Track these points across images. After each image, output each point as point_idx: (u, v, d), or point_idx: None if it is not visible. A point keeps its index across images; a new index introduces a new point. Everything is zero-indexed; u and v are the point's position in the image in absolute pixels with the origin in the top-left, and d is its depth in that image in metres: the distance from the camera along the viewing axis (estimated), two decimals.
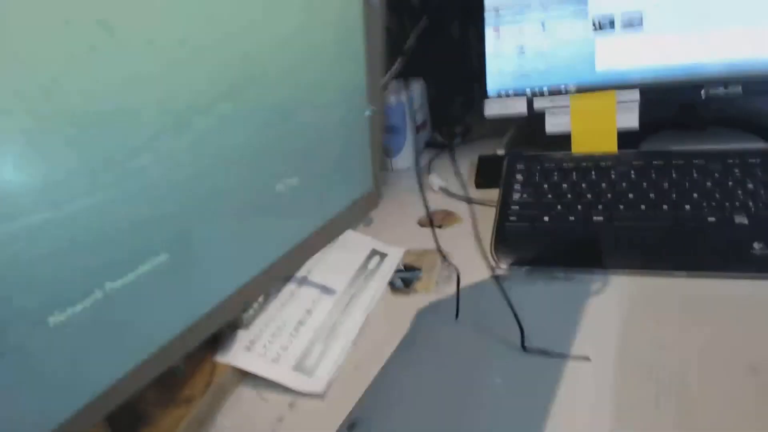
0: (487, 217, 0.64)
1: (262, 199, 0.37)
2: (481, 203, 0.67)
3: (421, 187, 0.72)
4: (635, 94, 0.66)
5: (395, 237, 0.62)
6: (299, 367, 0.45)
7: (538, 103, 0.72)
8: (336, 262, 0.57)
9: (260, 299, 0.49)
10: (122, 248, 0.28)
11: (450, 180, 0.74)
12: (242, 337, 0.47)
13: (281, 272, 0.42)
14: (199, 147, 0.31)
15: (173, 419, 0.38)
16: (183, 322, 0.33)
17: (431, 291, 0.53)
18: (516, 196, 0.61)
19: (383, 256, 0.59)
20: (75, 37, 0.23)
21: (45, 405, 0.26)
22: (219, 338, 0.46)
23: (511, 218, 0.58)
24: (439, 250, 0.56)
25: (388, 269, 0.56)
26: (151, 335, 0.31)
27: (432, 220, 0.64)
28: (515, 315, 0.45)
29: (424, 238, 0.62)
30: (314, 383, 0.43)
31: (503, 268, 0.55)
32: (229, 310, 0.37)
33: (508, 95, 0.72)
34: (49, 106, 0.23)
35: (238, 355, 0.45)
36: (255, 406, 0.43)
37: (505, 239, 0.57)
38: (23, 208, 0.23)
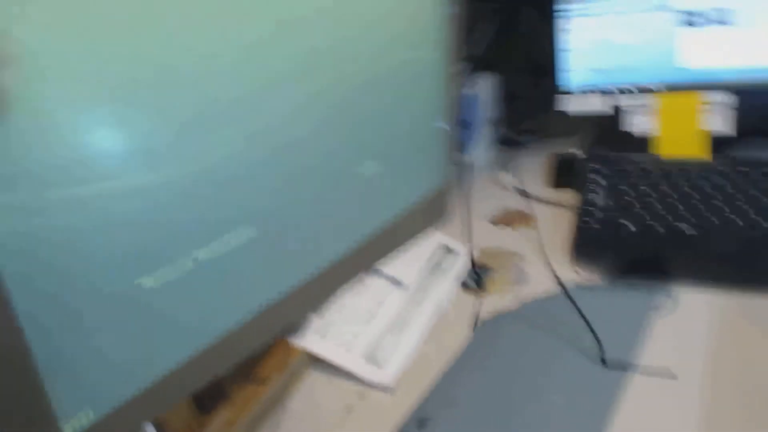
0: (564, 220, 0.62)
1: (344, 179, 0.37)
2: (557, 204, 0.65)
3: (494, 184, 0.70)
4: (728, 96, 0.62)
5: (465, 234, 0.61)
6: (370, 357, 0.45)
7: (619, 101, 0.69)
8: (406, 256, 0.56)
9: None
10: (209, 217, 0.28)
11: (522, 178, 0.72)
12: (315, 322, 0.47)
13: (363, 262, 0.42)
14: (289, 118, 0.31)
15: (249, 397, 0.38)
16: (266, 299, 0.33)
17: (503, 293, 0.52)
18: (596, 199, 0.59)
19: (454, 252, 0.58)
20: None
21: (135, 363, 0.26)
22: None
23: (591, 222, 0.56)
24: (512, 251, 0.55)
25: (459, 266, 0.55)
26: (235, 310, 0.31)
27: (505, 220, 0.62)
28: (590, 326, 0.43)
29: (496, 237, 0.61)
30: (385, 375, 0.43)
31: (581, 274, 0.53)
32: (308, 296, 0.37)
33: (586, 92, 0.70)
34: (147, 69, 0.23)
35: (311, 339, 0.45)
36: (325, 392, 0.43)
37: (584, 244, 0.55)
38: (118, 170, 0.23)
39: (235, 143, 0.28)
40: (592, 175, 0.61)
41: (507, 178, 0.72)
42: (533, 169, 0.75)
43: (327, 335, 0.46)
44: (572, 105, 0.70)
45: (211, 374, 0.31)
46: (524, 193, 0.69)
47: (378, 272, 0.53)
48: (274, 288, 0.34)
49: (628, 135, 0.68)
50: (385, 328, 0.48)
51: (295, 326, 0.45)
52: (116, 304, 0.24)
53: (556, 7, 0.68)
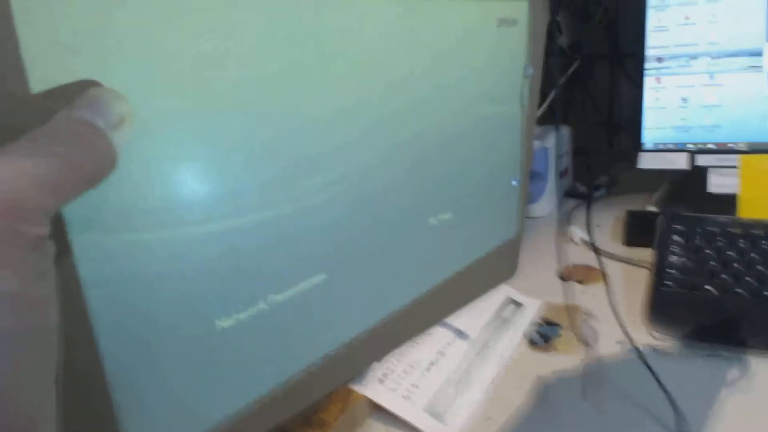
0: (637, 279, 0.59)
1: (417, 230, 0.37)
2: (630, 262, 0.63)
3: (562, 237, 0.68)
4: None
5: (532, 287, 0.59)
6: (430, 409, 0.44)
7: (701, 160, 0.66)
8: (470, 306, 0.55)
9: None
10: (289, 264, 0.29)
11: (594, 233, 0.70)
12: (376, 368, 0.46)
13: (432, 314, 0.41)
14: (373, 170, 0.32)
15: None
16: (334, 345, 0.33)
17: (572, 352, 0.50)
18: (674, 259, 0.56)
19: (519, 305, 0.56)
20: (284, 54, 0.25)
21: (204, 404, 0.27)
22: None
23: (668, 283, 0.54)
24: (581, 308, 0.52)
25: (524, 320, 0.54)
26: (303, 354, 0.32)
27: (574, 275, 0.60)
28: (669, 396, 0.40)
29: (563, 292, 0.59)
30: (446, 430, 0.42)
31: (657, 337, 0.50)
32: (375, 345, 0.37)
33: (666, 149, 0.68)
34: (243, 125, 0.24)
35: (372, 387, 0.44)
36: None
37: (660, 306, 0.52)
38: (204, 216, 0.24)
39: (319, 194, 0.29)
40: (671, 235, 0.59)
41: (577, 232, 0.70)
42: (605, 225, 0.73)
43: (386, 382, 0.45)
44: (650, 162, 0.68)
45: (276, 420, 0.31)
46: (595, 249, 0.67)
47: (441, 322, 0.52)
48: (341, 335, 0.34)
49: (708, 194, 0.65)
50: (447, 380, 0.46)
51: (357, 372, 0.44)
52: (193, 345, 0.25)
53: (640, 63, 0.67)
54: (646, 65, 0.67)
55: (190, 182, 0.22)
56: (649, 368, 0.42)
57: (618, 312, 0.54)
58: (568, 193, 0.83)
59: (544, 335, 0.52)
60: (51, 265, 0.17)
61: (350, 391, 0.43)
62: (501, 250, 0.47)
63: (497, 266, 0.47)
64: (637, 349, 0.48)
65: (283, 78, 0.26)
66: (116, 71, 0.20)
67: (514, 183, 0.45)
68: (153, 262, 0.22)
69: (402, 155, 0.34)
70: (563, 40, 0.78)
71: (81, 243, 0.20)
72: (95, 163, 0.18)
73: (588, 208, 0.71)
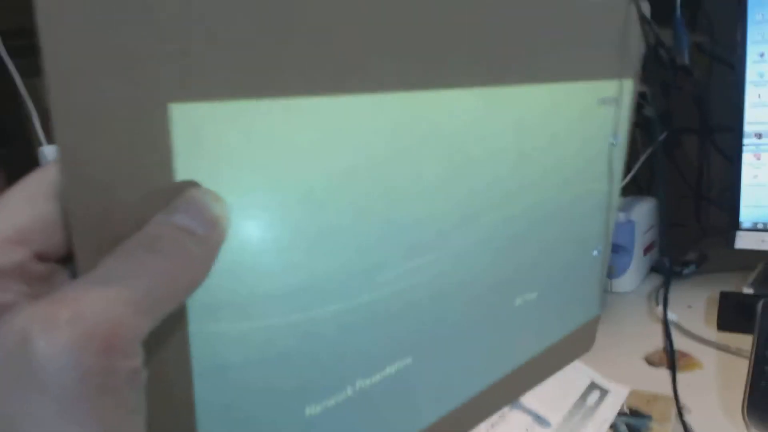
0: (734, 367, 0.55)
1: (502, 311, 0.36)
2: (726, 350, 0.58)
3: (649, 317, 0.65)
4: None
5: (617, 372, 0.56)
6: None
7: None
8: (551, 390, 0.52)
9: None
10: (378, 348, 0.29)
11: (683, 314, 0.66)
12: None
13: (507, 394, 0.39)
14: (464, 255, 0.31)
15: None
16: (415, 428, 0.32)
17: None
18: None
19: (604, 392, 0.53)
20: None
21: None
22: None
23: None
24: (677, 398, 0.49)
25: (610, 409, 0.50)
26: None
27: (671, 361, 0.57)
28: None
29: (652, 379, 0.55)
30: None
31: None
32: (456, 422, 0.35)
33: (766, 228, 0.63)
34: (337, 216, 0.24)
35: None
36: None
37: (762, 401, 0.48)
38: (300, 304, 0.24)
39: (411, 279, 0.29)
40: None
41: (668, 312, 0.66)
42: (696, 306, 0.69)
43: None
44: (748, 241, 0.64)
45: None
46: (686, 332, 0.63)
47: (519, 406, 0.50)
48: (424, 418, 0.33)
49: None
50: None
51: None
52: (281, 428, 0.25)
53: (739, 139, 0.65)
54: (744, 141, 0.64)
55: (289, 271, 0.23)
56: None
57: (712, 404, 0.50)
58: (654, 269, 0.79)
59: (633, 427, 0.48)
60: (143, 398, 0.16)
61: None
62: (584, 327, 0.45)
63: (576, 342, 0.45)
64: None
65: (389, 173, 0.26)
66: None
67: (595, 253, 0.43)
68: (250, 352, 0.22)
69: (493, 239, 0.33)
70: (651, 111, 0.76)
71: (195, 334, 0.20)
72: (193, 274, 0.17)
73: (677, 288, 0.67)
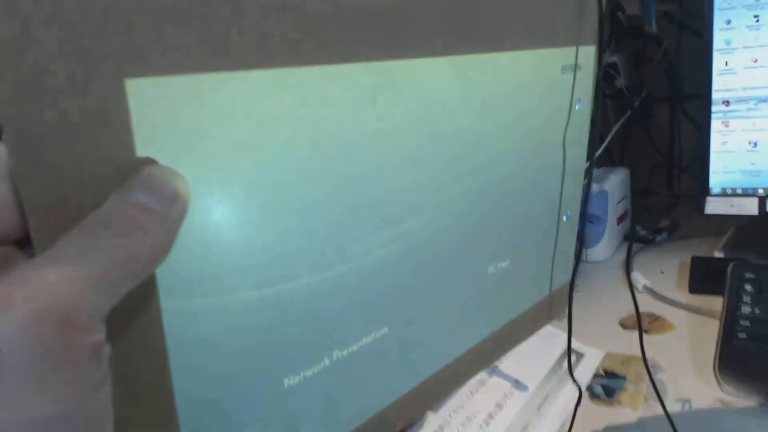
0: (705, 329, 0.57)
1: (476, 280, 0.37)
2: (697, 312, 0.60)
3: (629, 284, 0.66)
4: None
5: (593, 336, 0.57)
6: None
7: None
8: (528, 356, 0.53)
9: None
10: (355, 319, 0.29)
11: (655, 280, 0.68)
12: (431, 419, 0.45)
13: (482, 359, 0.40)
14: (434, 225, 0.32)
15: None
16: (392, 396, 0.33)
17: (637, 406, 0.47)
18: (746, 310, 0.53)
19: (580, 355, 0.54)
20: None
21: None
22: None
23: (740, 335, 0.51)
24: (646, 360, 0.50)
25: (586, 372, 0.52)
26: (364, 405, 0.31)
27: (641, 323, 0.58)
28: None
29: (627, 342, 0.56)
30: None
31: (729, 393, 0.47)
32: (437, 390, 0.36)
33: (735, 194, 0.65)
34: (313, 185, 0.24)
35: None
36: None
37: (732, 360, 0.49)
38: (276, 277, 0.24)
39: (385, 250, 0.29)
40: (742, 284, 0.56)
41: (638, 278, 0.67)
42: (668, 271, 0.70)
43: None
44: (717, 207, 0.65)
45: None
46: (659, 296, 0.64)
47: (499, 372, 0.51)
48: (400, 386, 0.34)
49: None
50: None
51: (411, 423, 0.43)
52: (262, 405, 0.25)
53: (707, 107, 0.66)
54: (713, 108, 0.65)
55: (258, 245, 0.23)
56: None
57: (684, 364, 0.51)
58: (628, 238, 0.80)
59: (607, 388, 0.50)
60: (107, 372, 0.16)
61: None
62: (556, 293, 0.46)
63: (550, 307, 0.46)
64: (706, 407, 0.45)
65: (357, 145, 0.26)
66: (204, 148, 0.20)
67: (564, 219, 0.44)
68: (224, 326, 0.22)
69: (463, 208, 0.34)
70: (621, 82, 0.77)
71: (168, 310, 0.20)
72: (152, 251, 0.17)
73: (649, 254, 0.69)
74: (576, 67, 0.40)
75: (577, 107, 0.41)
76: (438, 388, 0.37)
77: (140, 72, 0.18)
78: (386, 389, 0.33)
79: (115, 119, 0.17)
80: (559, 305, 0.49)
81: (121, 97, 0.17)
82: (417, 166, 0.29)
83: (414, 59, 0.28)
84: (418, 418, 0.42)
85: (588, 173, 0.46)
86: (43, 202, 0.16)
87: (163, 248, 0.17)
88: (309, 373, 0.27)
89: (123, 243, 0.16)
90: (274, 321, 0.24)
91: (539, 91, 0.37)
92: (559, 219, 0.44)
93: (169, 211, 0.17)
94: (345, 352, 0.29)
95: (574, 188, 0.45)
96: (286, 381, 0.26)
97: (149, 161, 0.18)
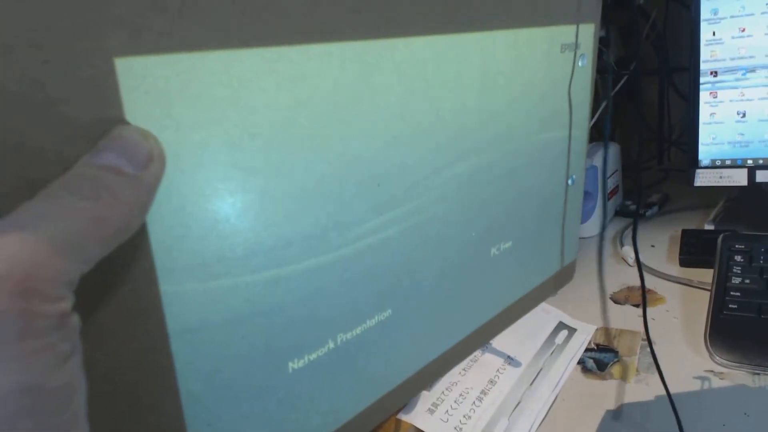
0: (696, 301, 0.57)
1: (478, 262, 0.36)
2: (687, 284, 0.60)
3: (614, 258, 0.66)
4: None
5: (585, 311, 0.57)
6: None
7: (761, 176, 0.63)
8: (521, 332, 0.53)
9: None
10: (359, 302, 0.29)
11: (646, 254, 0.68)
12: (425, 397, 0.45)
13: (481, 337, 0.40)
14: (436, 206, 0.31)
15: None
16: (398, 377, 0.33)
17: (630, 379, 0.48)
18: (736, 280, 0.53)
19: (572, 330, 0.54)
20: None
21: None
22: None
23: (731, 306, 0.51)
24: (638, 333, 0.50)
25: (578, 346, 0.52)
26: (369, 388, 0.31)
27: (645, 297, 0.58)
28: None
29: (618, 316, 0.56)
30: None
31: (720, 364, 0.48)
32: (435, 370, 0.36)
33: (724, 165, 0.65)
34: (305, 159, 0.24)
35: (422, 416, 0.43)
36: None
37: (723, 330, 0.50)
38: (279, 260, 0.24)
39: (388, 231, 0.29)
40: (732, 255, 0.56)
41: (629, 252, 0.67)
42: (660, 245, 0.70)
43: (436, 412, 0.44)
44: (707, 179, 0.65)
45: None
46: (650, 270, 0.64)
47: (491, 349, 0.51)
48: (403, 369, 0.34)
49: None
50: (500, 410, 0.45)
51: (406, 400, 0.43)
52: (267, 389, 0.25)
53: (694, 78, 0.65)
54: (701, 79, 0.65)
55: (257, 228, 0.22)
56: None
57: (676, 336, 0.52)
58: (619, 212, 0.80)
59: (599, 362, 0.50)
60: (78, 342, 0.15)
61: (399, 422, 0.42)
62: (559, 273, 0.46)
63: (556, 281, 0.46)
64: (697, 378, 0.45)
65: (357, 123, 0.26)
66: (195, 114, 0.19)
67: (569, 182, 0.44)
68: (227, 310, 0.22)
69: (464, 189, 0.33)
70: (610, 56, 0.76)
71: (167, 291, 0.20)
72: (123, 215, 0.16)
73: (640, 228, 0.69)
74: (577, 46, 0.40)
75: (580, 63, 0.40)
76: (439, 368, 0.37)
77: (129, 50, 0.17)
78: (391, 372, 0.33)
79: (103, 95, 0.17)
80: (565, 277, 0.49)
81: (111, 73, 0.16)
82: (415, 146, 0.29)
83: (412, 37, 0.27)
84: (412, 397, 0.42)
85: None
86: (5, 167, 0.15)
87: (136, 212, 0.17)
88: (314, 356, 0.27)
89: (88, 205, 0.15)
90: (277, 303, 0.24)
91: (538, 70, 0.36)
92: (560, 200, 0.44)
93: (141, 173, 0.16)
94: (349, 335, 0.29)
95: (576, 166, 0.44)
96: (290, 365, 0.26)
97: (121, 121, 0.17)
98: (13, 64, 0.15)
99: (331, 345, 0.27)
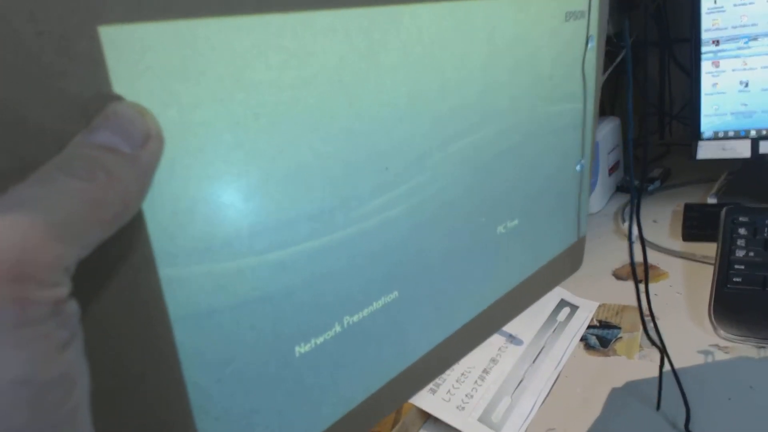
0: (699, 275, 0.56)
1: (484, 240, 0.36)
2: (690, 258, 0.59)
3: (616, 234, 0.65)
4: None
5: (587, 288, 0.57)
6: (485, 419, 0.42)
7: (765, 147, 0.62)
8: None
9: None
10: (365, 284, 0.28)
11: (648, 229, 0.67)
12: None
13: (494, 322, 0.39)
14: (441, 183, 0.30)
15: None
16: (406, 361, 0.32)
17: (633, 356, 0.47)
18: (740, 254, 0.53)
19: (574, 308, 0.54)
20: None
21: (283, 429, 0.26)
22: None
23: (735, 279, 0.50)
24: (649, 308, 0.49)
25: (580, 323, 0.51)
26: (377, 373, 0.31)
27: (635, 273, 0.57)
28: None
29: (620, 293, 0.56)
30: None
31: (725, 338, 0.47)
32: (447, 356, 0.35)
33: (727, 137, 0.64)
34: (309, 140, 0.23)
35: (423, 396, 0.43)
36: None
37: (727, 304, 0.49)
38: (284, 241, 0.23)
39: (392, 211, 0.28)
40: (736, 228, 0.55)
41: (631, 228, 0.67)
42: (662, 220, 0.70)
43: (438, 392, 0.43)
44: (709, 151, 0.64)
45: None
46: (652, 245, 0.63)
47: None
48: (413, 352, 0.33)
49: None
50: (502, 389, 0.44)
51: (421, 387, 0.43)
52: (274, 374, 0.24)
53: (696, 48, 0.64)
54: (702, 49, 0.63)
55: (271, 209, 0.22)
56: None
57: (679, 311, 0.51)
58: (620, 188, 0.79)
59: (602, 339, 0.49)
60: (77, 329, 0.14)
61: None
62: (568, 251, 0.45)
63: (564, 264, 0.45)
64: (701, 352, 0.45)
65: (360, 98, 0.25)
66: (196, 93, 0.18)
67: (578, 168, 0.43)
68: (230, 294, 0.21)
69: (472, 165, 0.32)
70: (609, 29, 0.75)
71: (168, 277, 0.19)
72: (120, 196, 0.15)
73: (642, 203, 0.68)
74: (582, 14, 0.38)
75: (589, 45, 0.39)
76: (451, 353, 0.36)
77: (128, 19, 0.16)
78: (398, 356, 0.32)
79: (101, 69, 0.16)
80: (576, 257, 0.48)
81: (96, 43, 0.16)
82: (419, 120, 0.28)
83: (414, 4, 0.26)
84: (426, 384, 0.41)
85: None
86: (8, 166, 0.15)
87: (134, 193, 0.16)
88: (320, 339, 0.26)
89: (83, 186, 0.14)
90: (284, 286, 0.23)
91: (543, 39, 0.35)
92: (569, 173, 0.43)
93: (138, 152, 0.16)
94: (356, 318, 0.28)
95: (584, 139, 0.43)
96: (297, 349, 0.25)
97: (116, 98, 0.16)
98: (5, 36, 0.14)
99: (338, 328, 0.26)
